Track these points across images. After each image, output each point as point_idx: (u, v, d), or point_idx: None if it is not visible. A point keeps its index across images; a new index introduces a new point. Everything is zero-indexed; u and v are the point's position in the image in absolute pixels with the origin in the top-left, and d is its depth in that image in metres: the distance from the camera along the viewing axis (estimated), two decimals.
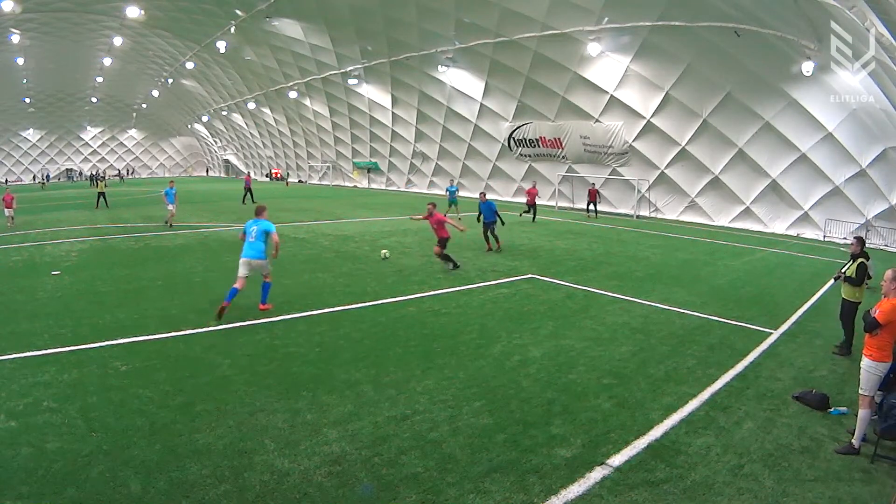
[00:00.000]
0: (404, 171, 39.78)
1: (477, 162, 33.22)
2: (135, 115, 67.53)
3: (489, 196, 15.78)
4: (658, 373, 6.33)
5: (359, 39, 30.36)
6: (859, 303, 7.21)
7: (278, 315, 8.15)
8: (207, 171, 76.65)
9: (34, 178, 64.28)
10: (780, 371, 6.55)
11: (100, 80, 53.66)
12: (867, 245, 7.79)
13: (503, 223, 14.68)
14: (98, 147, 70.93)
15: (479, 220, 14.74)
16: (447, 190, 23.18)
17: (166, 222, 18.31)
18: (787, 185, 20.59)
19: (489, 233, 14.28)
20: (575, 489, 4.00)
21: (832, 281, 7.73)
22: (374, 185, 43.72)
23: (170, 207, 18.30)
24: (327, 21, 29.83)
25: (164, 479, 3.97)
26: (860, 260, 7.22)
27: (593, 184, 26.59)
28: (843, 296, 7.35)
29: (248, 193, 28.74)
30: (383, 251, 12.36)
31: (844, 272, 7.30)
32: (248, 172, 34.83)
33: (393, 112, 35.96)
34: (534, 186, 23.76)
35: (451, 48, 26.69)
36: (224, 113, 55.09)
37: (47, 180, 60.26)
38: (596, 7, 19.77)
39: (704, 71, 20.26)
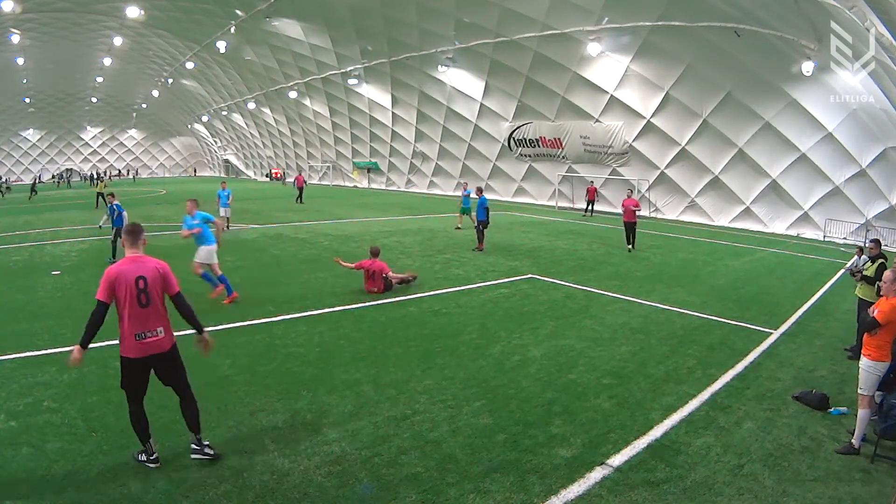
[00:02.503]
0: (404, 171, 39.80)
1: (477, 162, 33.22)
2: (135, 115, 67.46)
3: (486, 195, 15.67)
4: (658, 373, 6.33)
5: (359, 39, 30.36)
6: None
7: (278, 315, 8.16)
8: (195, 171, 75.99)
9: (38, 178, 64.01)
10: (780, 371, 6.54)
11: (100, 80, 53.63)
12: (867, 244, 7.81)
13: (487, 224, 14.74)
14: (98, 147, 70.82)
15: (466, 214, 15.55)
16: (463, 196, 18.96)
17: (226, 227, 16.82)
18: (787, 185, 20.59)
19: (482, 229, 14.58)
20: (575, 489, 4.00)
21: (849, 274, 7.71)
22: (374, 185, 43.72)
23: (223, 213, 17.04)
24: (327, 21, 29.82)
25: (164, 479, 3.97)
26: (881, 261, 7.23)
27: (592, 182, 26.65)
28: (860, 295, 7.34)
29: (300, 195, 29.79)
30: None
31: (864, 271, 7.30)
32: (301, 173, 35.62)
33: (393, 112, 35.96)
34: (630, 196, 16.58)
35: (451, 48, 26.70)
36: (224, 113, 55.07)
37: (62, 179, 56.70)
38: (596, 7, 19.76)
39: (704, 71, 20.26)
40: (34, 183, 41.46)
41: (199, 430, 4.28)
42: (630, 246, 15.02)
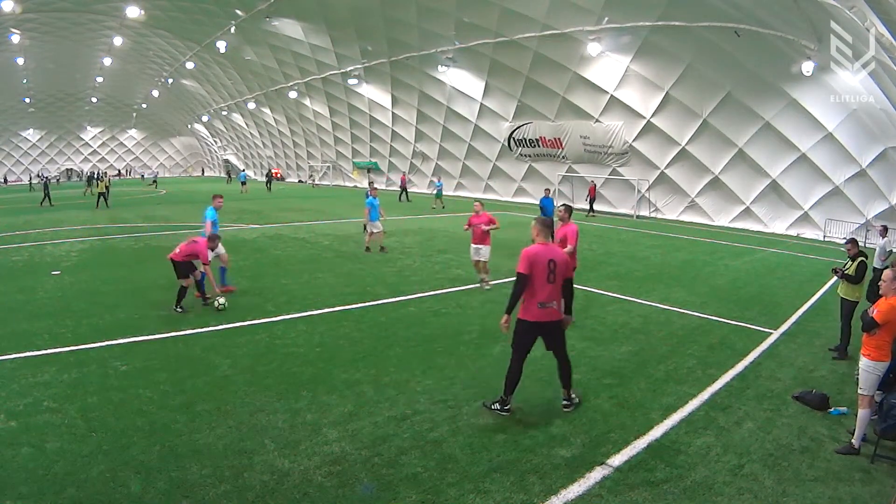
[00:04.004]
0: (404, 171, 39.78)
1: (477, 162, 33.23)
2: (135, 115, 67.43)
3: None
4: (658, 373, 6.33)
5: (359, 39, 30.36)
6: (857, 302, 7.21)
7: (278, 315, 8.15)
8: (203, 171, 76.54)
9: (40, 177, 63.81)
10: (780, 371, 6.54)
11: (100, 80, 53.60)
12: (867, 245, 7.81)
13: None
14: (98, 147, 70.87)
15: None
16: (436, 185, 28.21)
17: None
18: (787, 185, 20.59)
19: None
20: (575, 489, 4.00)
21: (834, 277, 7.73)
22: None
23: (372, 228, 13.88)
24: (327, 21, 29.83)
25: (164, 479, 3.96)
26: (860, 259, 7.22)
27: (592, 181, 26.65)
28: (842, 295, 7.34)
29: (405, 192, 30.90)
30: (220, 300, 8.37)
31: (845, 270, 7.30)
32: (404, 173, 36.10)
33: (393, 112, 35.96)
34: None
35: (451, 48, 26.68)
36: (224, 113, 55.07)
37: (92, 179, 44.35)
38: (596, 7, 19.76)
39: (704, 71, 20.26)
40: (90, 177, 41.45)
41: (570, 387, 5.30)
42: None
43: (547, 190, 18.75)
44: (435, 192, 28.06)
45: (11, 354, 6.29)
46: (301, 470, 4.13)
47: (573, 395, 5.32)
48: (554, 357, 5.24)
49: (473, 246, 10.18)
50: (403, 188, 31.76)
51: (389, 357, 6.57)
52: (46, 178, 39.52)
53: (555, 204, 16.22)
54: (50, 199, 26.71)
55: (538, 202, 17.40)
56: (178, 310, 8.14)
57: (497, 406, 5.15)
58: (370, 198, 13.83)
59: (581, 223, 21.85)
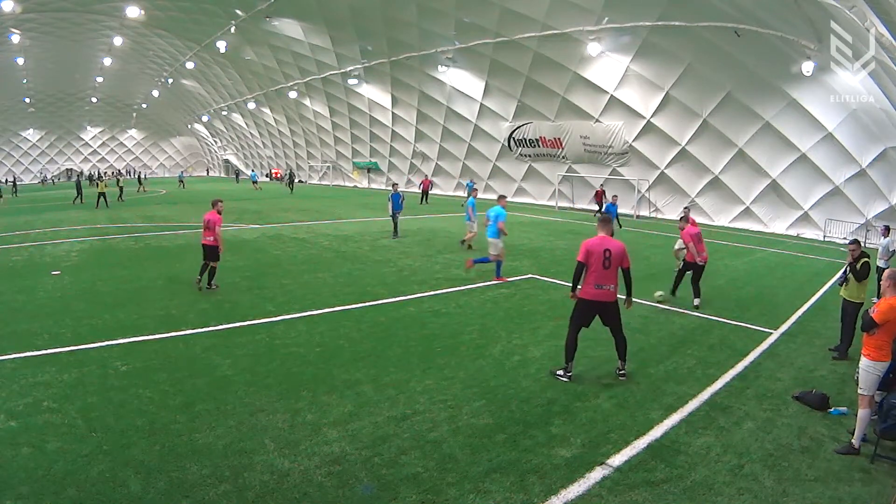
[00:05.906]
0: (404, 171, 39.79)
1: (477, 162, 33.23)
2: (135, 115, 67.42)
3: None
4: (658, 373, 6.33)
5: (359, 39, 30.37)
6: (861, 303, 7.17)
7: (278, 315, 8.16)
8: (208, 171, 76.86)
9: (44, 178, 63.66)
10: (780, 371, 6.54)
11: (100, 80, 53.59)
12: (867, 245, 7.77)
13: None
14: (98, 147, 70.82)
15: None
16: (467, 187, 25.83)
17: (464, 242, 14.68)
18: (787, 185, 20.59)
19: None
20: (575, 489, 4.00)
21: (839, 285, 7.66)
22: (374, 185, 43.71)
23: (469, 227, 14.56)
24: (327, 21, 29.83)
25: (164, 479, 3.96)
26: (864, 259, 7.18)
27: (602, 185, 26.59)
28: (845, 296, 7.28)
29: (425, 195, 30.21)
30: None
31: (847, 274, 7.26)
32: (427, 175, 35.48)
33: (393, 112, 35.95)
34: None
35: (451, 48, 26.69)
36: (224, 113, 55.06)
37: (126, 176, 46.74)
38: (596, 7, 19.76)
39: (704, 71, 20.26)
40: (139, 177, 42.27)
41: (624, 360, 6.12)
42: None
43: (615, 196, 19.40)
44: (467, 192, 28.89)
45: (11, 354, 6.30)
46: (301, 470, 4.13)
47: (625, 368, 6.09)
48: (611, 334, 6.05)
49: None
50: (425, 191, 30.77)
51: (389, 357, 6.57)
52: (79, 176, 39.90)
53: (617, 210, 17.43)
54: (81, 198, 27.04)
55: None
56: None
57: (560, 373, 6.00)
58: (471, 198, 14.73)
59: (581, 223, 21.84)
